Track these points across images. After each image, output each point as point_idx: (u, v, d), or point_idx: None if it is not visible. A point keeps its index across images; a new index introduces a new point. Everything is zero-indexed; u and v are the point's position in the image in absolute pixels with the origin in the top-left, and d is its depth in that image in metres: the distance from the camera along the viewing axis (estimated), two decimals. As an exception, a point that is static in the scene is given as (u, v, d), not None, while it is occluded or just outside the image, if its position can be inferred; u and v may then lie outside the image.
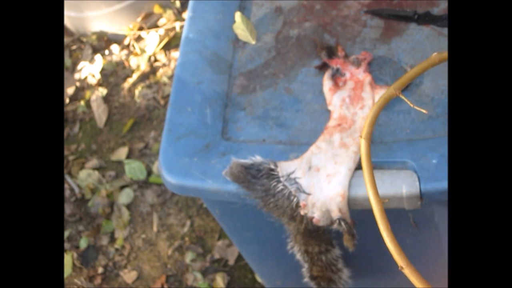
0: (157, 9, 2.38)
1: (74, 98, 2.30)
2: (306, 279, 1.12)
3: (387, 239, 0.74)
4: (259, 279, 1.74)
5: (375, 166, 0.90)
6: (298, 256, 1.07)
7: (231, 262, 1.79)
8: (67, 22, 2.45)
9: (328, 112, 0.96)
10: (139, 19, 2.38)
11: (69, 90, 2.31)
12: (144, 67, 2.28)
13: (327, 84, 0.98)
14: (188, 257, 1.83)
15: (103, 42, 2.41)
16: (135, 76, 2.27)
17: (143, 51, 2.31)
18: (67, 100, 2.29)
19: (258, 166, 0.90)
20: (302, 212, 0.89)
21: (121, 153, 2.09)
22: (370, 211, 0.92)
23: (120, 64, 2.34)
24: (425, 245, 1.07)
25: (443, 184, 0.85)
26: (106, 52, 2.39)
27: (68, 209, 1.97)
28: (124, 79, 2.28)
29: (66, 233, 1.95)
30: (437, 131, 0.91)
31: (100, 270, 1.87)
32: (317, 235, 1.01)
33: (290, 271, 1.22)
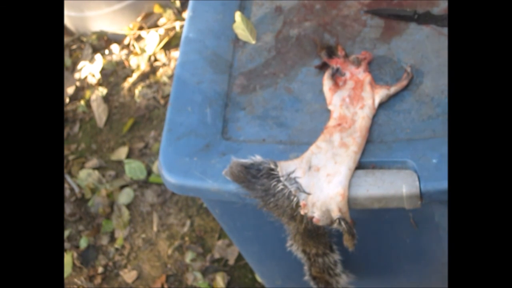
0: (157, 9, 2.38)
1: (74, 97, 2.30)
2: (306, 277, 1.12)
3: None
4: (259, 279, 1.74)
5: (375, 166, 0.90)
6: (298, 254, 1.07)
7: (231, 261, 1.79)
8: (67, 22, 2.45)
9: (328, 112, 0.96)
10: (139, 19, 2.38)
11: (69, 90, 2.31)
12: (144, 66, 2.28)
13: (327, 84, 0.98)
14: (188, 256, 1.83)
15: (103, 41, 2.41)
16: (135, 75, 2.27)
17: (143, 50, 2.31)
18: (67, 100, 2.29)
19: (258, 166, 0.90)
20: (302, 212, 0.89)
21: (121, 152, 2.09)
22: (370, 211, 0.92)
23: (120, 64, 2.34)
24: (425, 245, 1.07)
25: (443, 184, 0.85)
26: (106, 51, 2.39)
27: (68, 208, 1.97)
28: (124, 79, 2.28)
29: (66, 233, 1.95)
30: (437, 131, 0.91)
31: (100, 269, 1.87)
32: (316, 237, 1.01)
33: (290, 271, 1.22)
